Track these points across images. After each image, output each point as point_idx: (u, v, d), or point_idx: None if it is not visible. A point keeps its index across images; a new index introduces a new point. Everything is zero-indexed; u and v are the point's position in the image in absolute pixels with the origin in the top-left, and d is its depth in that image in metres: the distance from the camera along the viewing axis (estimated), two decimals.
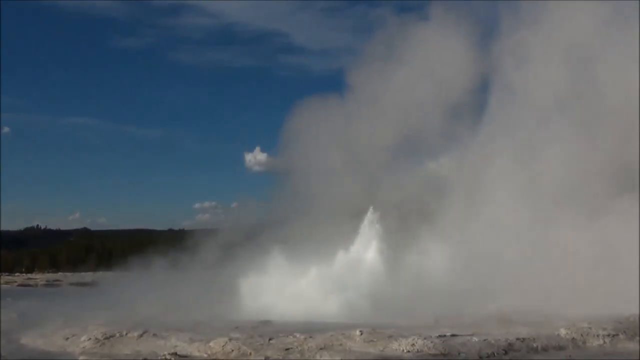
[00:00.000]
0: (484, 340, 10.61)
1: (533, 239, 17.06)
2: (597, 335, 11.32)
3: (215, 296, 17.65)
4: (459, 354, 10.03)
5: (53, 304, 19.89)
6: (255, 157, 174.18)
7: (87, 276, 44.11)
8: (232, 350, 10.74)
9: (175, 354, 10.73)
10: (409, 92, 21.77)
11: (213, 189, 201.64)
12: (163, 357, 10.53)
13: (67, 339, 12.52)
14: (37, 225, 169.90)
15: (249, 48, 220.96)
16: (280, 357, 10.25)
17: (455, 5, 22.74)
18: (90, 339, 12.18)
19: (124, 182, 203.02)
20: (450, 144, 22.41)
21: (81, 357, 10.96)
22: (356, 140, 22.57)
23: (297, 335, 11.24)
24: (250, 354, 10.54)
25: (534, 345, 10.66)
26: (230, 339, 11.15)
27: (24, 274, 52.56)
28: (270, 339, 11.11)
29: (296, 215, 21.29)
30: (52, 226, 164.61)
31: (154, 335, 12.10)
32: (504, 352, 10.18)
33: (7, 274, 52.23)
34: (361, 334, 11.06)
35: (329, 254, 17.93)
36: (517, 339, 10.79)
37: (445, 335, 10.88)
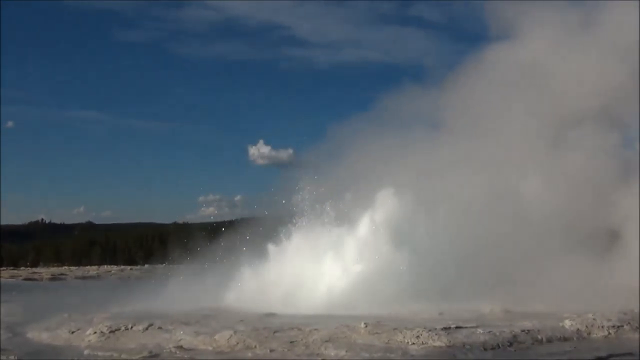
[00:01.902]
0: (489, 332, 10.64)
1: None
2: (602, 327, 11.32)
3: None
4: (464, 345, 10.05)
5: (58, 298, 19.98)
6: (259, 150, 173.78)
7: (92, 270, 44.24)
8: (237, 343, 10.77)
9: (181, 347, 10.76)
10: None
11: (217, 182, 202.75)
12: (168, 350, 10.57)
13: (73, 332, 12.56)
14: (42, 219, 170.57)
15: (253, 41, 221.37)
16: (285, 350, 10.28)
17: None
18: (95, 332, 12.21)
19: (128, 175, 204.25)
20: None
21: (87, 351, 11.01)
22: None
23: (302, 328, 11.28)
24: (255, 346, 10.57)
25: (539, 337, 10.67)
26: (235, 332, 11.20)
27: (28, 268, 52.69)
28: (275, 332, 11.15)
29: None
30: (56, 220, 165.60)
31: (159, 328, 12.15)
32: (508, 344, 10.20)
33: (12, 267, 52.41)
34: (366, 326, 11.10)
35: None
36: (522, 330, 10.82)
37: (449, 328, 10.91)
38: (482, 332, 10.64)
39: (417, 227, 16.54)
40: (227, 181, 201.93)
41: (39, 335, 12.84)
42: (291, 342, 10.62)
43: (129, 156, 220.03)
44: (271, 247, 17.30)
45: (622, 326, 11.42)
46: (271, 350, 10.28)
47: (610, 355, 9.53)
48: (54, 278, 35.77)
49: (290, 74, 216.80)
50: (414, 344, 10.28)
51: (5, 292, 22.35)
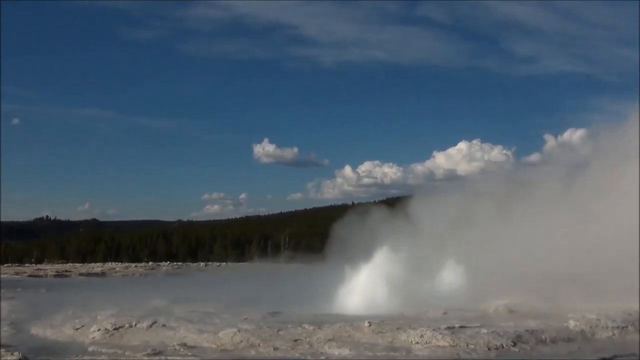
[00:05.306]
0: (493, 332, 10.60)
1: None
2: (606, 327, 11.27)
3: None
4: (468, 345, 10.02)
5: (63, 295, 20.01)
6: (264, 149, 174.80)
7: (97, 267, 44.31)
8: (241, 341, 10.77)
9: (184, 344, 10.77)
10: None
11: (221, 180, 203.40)
12: (172, 348, 10.58)
13: (77, 329, 12.59)
14: (47, 216, 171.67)
15: (259, 40, 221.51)
16: (289, 348, 10.27)
17: None
18: (99, 329, 12.25)
19: (133, 173, 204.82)
20: None
21: (91, 348, 11.02)
22: None
23: (306, 327, 11.26)
24: (259, 345, 10.57)
25: (543, 337, 10.61)
26: (239, 330, 11.20)
27: (33, 265, 52.82)
28: (278, 330, 11.14)
29: None
30: (62, 217, 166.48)
31: (163, 326, 12.17)
32: (512, 344, 10.15)
33: (16, 264, 52.56)
34: (370, 325, 11.08)
35: None
36: (526, 330, 10.77)
37: (453, 327, 10.87)
38: (486, 332, 10.59)
39: None
40: (232, 179, 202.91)
41: (43, 331, 12.88)
42: (295, 340, 10.61)
43: (134, 154, 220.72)
44: None
45: (626, 327, 11.37)
46: (275, 349, 10.27)
47: (615, 356, 9.49)
48: (58, 275, 35.85)
49: (296, 72, 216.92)
50: (417, 343, 10.26)
51: (10, 288, 22.40)
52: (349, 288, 16.02)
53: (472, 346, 9.99)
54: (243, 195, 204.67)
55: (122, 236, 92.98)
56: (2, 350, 10.15)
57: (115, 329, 12.22)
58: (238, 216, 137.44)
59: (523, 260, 16.27)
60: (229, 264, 55.15)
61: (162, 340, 11.26)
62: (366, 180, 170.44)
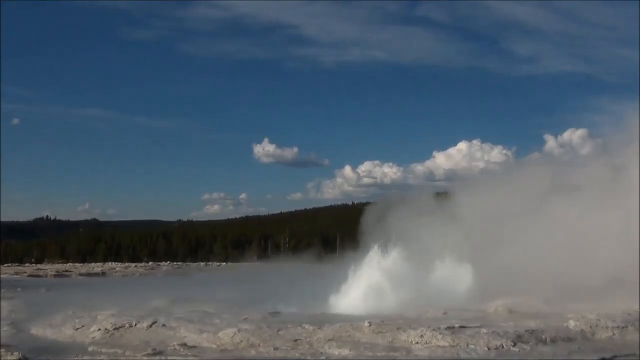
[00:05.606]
0: (493, 331, 10.60)
1: None
2: (606, 327, 11.28)
3: None
4: (468, 345, 10.02)
5: (63, 295, 20.02)
6: (264, 149, 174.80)
7: (97, 267, 44.30)
8: (241, 341, 10.77)
9: (184, 344, 10.77)
10: None
11: (221, 180, 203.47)
12: (172, 348, 10.57)
13: (77, 329, 12.59)
14: (47, 215, 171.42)
15: (259, 40, 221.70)
16: (289, 348, 10.27)
17: None
18: (99, 329, 12.24)
19: (133, 173, 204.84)
20: None
21: (91, 348, 11.02)
22: None
23: (306, 327, 11.26)
24: (259, 344, 10.57)
25: (543, 337, 10.62)
26: (239, 330, 11.19)
27: (33, 265, 52.81)
28: (278, 330, 11.14)
29: None
30: (62, 217, 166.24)
31: (163, 325, 12.16)
32: (512, 343, 10.15)
33: (16, 264, 52.57)
34: (370, 325, 11.08)
35: None
36: (526, 330, 10.77)
37: (453, 327, 10.88)
38: (485, 331, 10.59)
39: None
40: (232, 179, 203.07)
41: (43, 331, 12.87)
42: (295, 340, 10.61)
43: (134, 154, 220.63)
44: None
45: (626, 327, 11.37)
46: (275, 349, 10.27)
47: (615, 356, 9.49)
48: (58, 275, 35.83)
49: (296, 72, 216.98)
50: (417, 343, 10.26)
51: (10, 288, 22.41)
52: (350, 286, 16.04)
53: (472, 346, 9.98)
54: (243, 195, 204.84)
55: (122, 236, 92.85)
56: (2, 350, 10.15)
57: (115, 328, 12.21)
58: (238, 216, 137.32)
59: (551, 259, 16.07)
60: (229, 263, 55.15)
61: (162, 340, 11.26)
62: (366, 180, 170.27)
